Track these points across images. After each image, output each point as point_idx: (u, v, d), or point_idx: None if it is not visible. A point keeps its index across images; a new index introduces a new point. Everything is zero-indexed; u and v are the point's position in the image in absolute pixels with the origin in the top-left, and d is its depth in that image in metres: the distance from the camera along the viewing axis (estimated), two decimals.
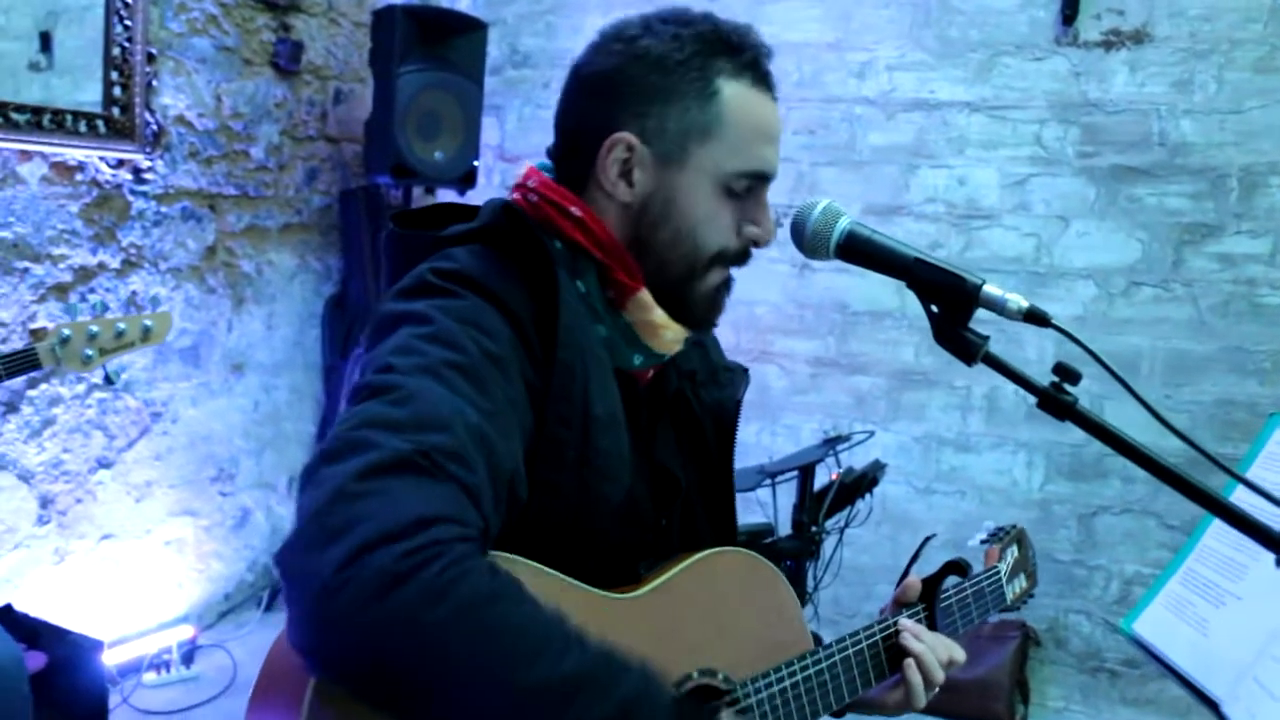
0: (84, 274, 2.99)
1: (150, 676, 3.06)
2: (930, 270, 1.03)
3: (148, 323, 2.35)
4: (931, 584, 1.31)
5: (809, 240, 1.09)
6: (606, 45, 1.12)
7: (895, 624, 1.25)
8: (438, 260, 1.04)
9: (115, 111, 3.02)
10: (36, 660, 2.27)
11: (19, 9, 2.81)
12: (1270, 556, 0.94)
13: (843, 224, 1.08)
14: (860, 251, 1.07)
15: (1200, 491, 0.95)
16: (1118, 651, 3.23)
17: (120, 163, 3.07)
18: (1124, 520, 3.23)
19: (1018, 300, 0.99)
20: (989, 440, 3.40)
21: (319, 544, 0.77)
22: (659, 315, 1.11)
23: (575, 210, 1.10)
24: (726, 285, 1.15)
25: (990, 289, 1.00)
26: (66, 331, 2.21)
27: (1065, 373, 0.98)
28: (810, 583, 2.78)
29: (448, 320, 0.96)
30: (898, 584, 1.34)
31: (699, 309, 1.13)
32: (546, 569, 0.98)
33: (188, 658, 3.14)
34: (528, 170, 1.16)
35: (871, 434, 3.18)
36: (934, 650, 1.24)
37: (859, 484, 2.78)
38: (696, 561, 1.14)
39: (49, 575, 2.95)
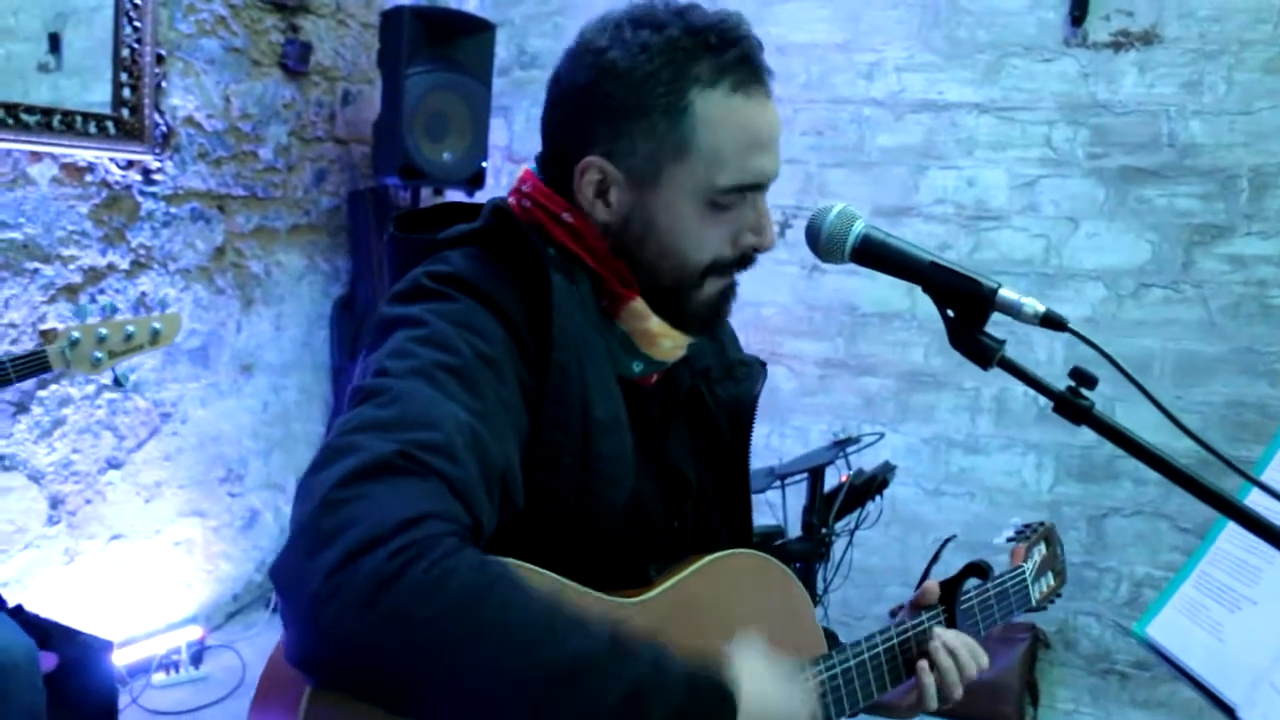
0: (94, 275, 3.00)
1: (159, 677, 3.07)
2: (946, 274, 1.02)
3: (157, 325, 2.36)
4: (951, 586, 1.28)
5: (824, 244, 1.07)
6: (579, 56, 1.07)
7: (925, 631, 1.23)
8: (433, 264, 1.04)
9: (124, 113, 3.03)
10: (48, 661, 2.28)
11: (28, 10, 2.82)
12: None
13: (858, 228, 1.06)
14: (875, 256, 1.06)
15: (1217, 495, 0.95)
16: (1128, 654, 3.22)
17: (129, 164, 3.08)
18: (1135, 522, 3.22)
19: (1034, 304, 0.98)
20: (998, 442, 3.39)
21: (308, 554, 0.76)
22: (655, 324, 1.09)
23: (567, 217, 1.08)
24: (729, 290, 1.12)
25: (1006, 293, 0.99)
26: (76, 334, 2.21)
27: (1082, 377, 0.97)
28: (820, 585, 2.77)
29: (441, 323, 0.95)
30: (917, 586, 1.33)
31: (699, 316, 1.11)
32: (549, 573, 0.97)
33: (196, 658, 3.15)
34: (524, 173, 1.15)
35: (881, 436, 3.18)
36: (961, 662, 1.21)
37: (869, 486, 2.77)
38: (707, 563, 1.13)
39: (59, 575, 2.96)
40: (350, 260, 3.87)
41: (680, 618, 1.08)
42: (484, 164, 3.76)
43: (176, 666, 3.10)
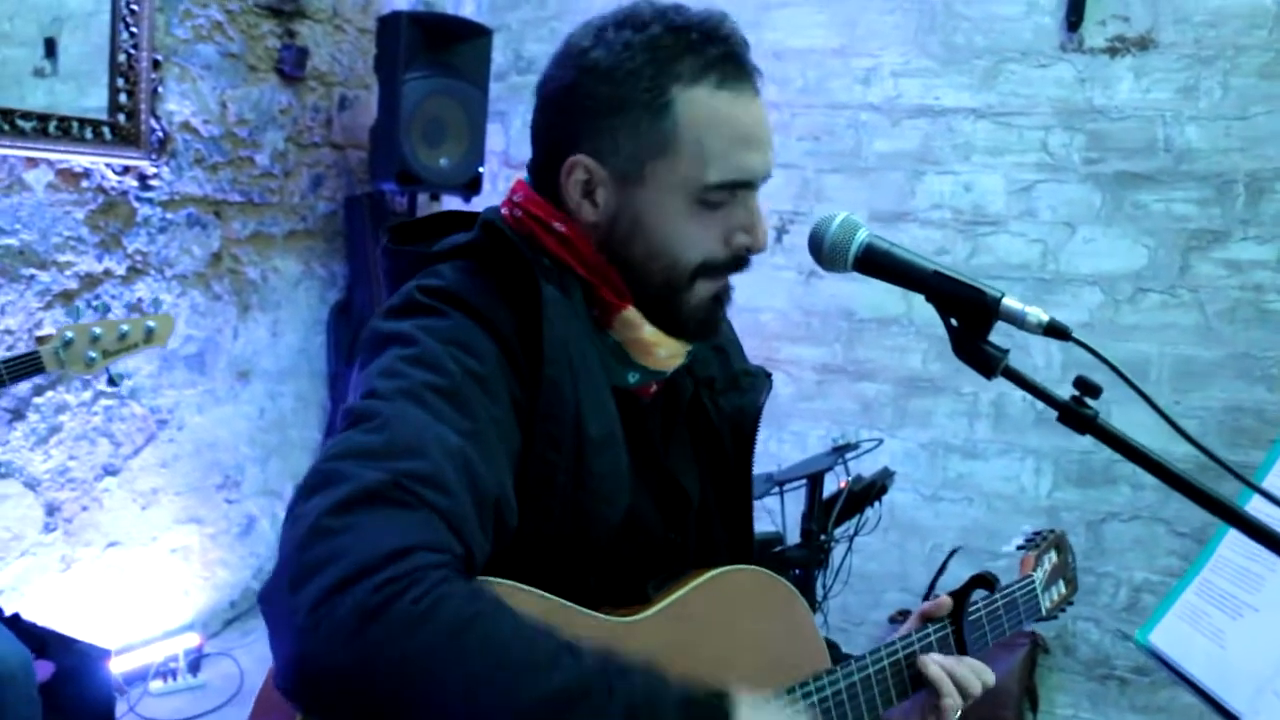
0: (90, 281, 2.99)
1: (157, 685, 3.06)
2: (950, 283, 1.02)
3: (151, 324, 2.36)
4: (958, 599, 1.28)
5: (827, 253, 1.07)
6: (561, 59, 1.08)
7: (931, 644, 1.22)
8: (425, 277, 1.04)
9: (121, 118, 3.02)
10: (44, 670, 2.27)
11: (24, 15, 2.81)
12: None
13: (861, 237, 1.06)
14: (878, 265, 1.05)
15: (1221, 504, 0.95)
16: (1127, 659, 3.22)
17: (126, 169, 3.07)
18: (1133, 527, 3.22)
19: (1038, 313, 0.98)
20: (996, 447, 3.39)
21: (295, 583, 0.76)
22: (648, 332, 1.08)
23: (559, 226, 1.08)
24: (723, 294, 1.11)
25: (1010, 302, 0.99)
26: (70, 334, 2.20)
27: (1086, 386, 0.98)
28: (819, 591, 2.77)
29: (431, 341, 0.95)
30: (924, 597, 1.32)
31: (692, 321, 1.10)
32: (544, 594, 0.96)
33: (194, 666, 3.13)
34: (516, 183, 1.14)
35: (880, 442, 3.18)
36: (959, 678, 1.20)
37: (868, 492, 2.77)
38: (707, 580, 1.11)
39: (55, 583, 2.95)
40: (347, 266, 3.86)
41: (680, 637, 1.06)
42: (481, 169, 3.76)
43: (174, 674, 3.09)
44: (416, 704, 0.75)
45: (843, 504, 2.70)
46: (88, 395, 3.02)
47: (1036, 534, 1.48)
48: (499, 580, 0.92)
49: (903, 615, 3.31)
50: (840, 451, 2.89)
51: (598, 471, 1.02)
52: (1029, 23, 3.32)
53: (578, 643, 0.81)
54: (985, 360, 1.00)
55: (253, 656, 3.25)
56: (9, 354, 2.27)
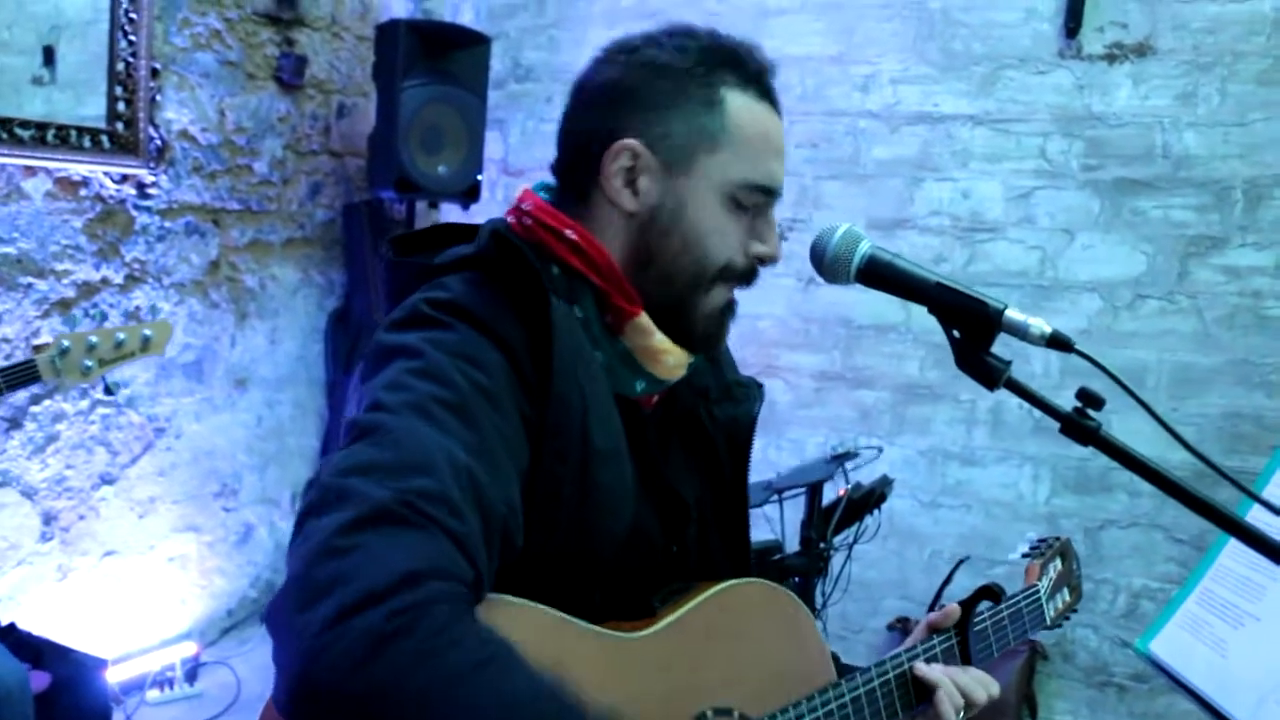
0: (88, 289, 2.98)
1: (154, 694, 3.05)
2: (953, 295, 1.02)
3: (147, 332, 2.34)
4: (966, 608, 1.28)
5: (829, 265, 1.07)
6: (611, 56, 1.12)
7: (935, 655, 1.22)
8: (431, 290, 1.03)
9: (119, 126, 3.02)
10: (40, 680, 2.26)
11: (22, 23, 2.81)
12: None
13: (863, 248, 1.06)
14: (881, 276, 1.06)
15: (1223, 514, 0.95)
16: (1125, 666, 3.22)
17: (124, 178, 3.07)
18: (1131, 534, 3.22)
19: (1040, 325, 0.98)
20: (994, 454, 3.39)
21: (304, 604, 0.75)
22: (659, 340, 1.09)
23: (570, 234, 1.08)
24: (730, 307, 1.13)
25: (1013, 314, 0.99)
26: (66, 343, 2.19)
27: (1088, 398, 0.98)
28: (818, 599, 2.76)
29: (438, 354, 0.94)
30: (930, 608, 1.32)
31: (700, 329, 1.11)
32: (549, 610, 0.95)
33: (191, 675, 3.13)
34: (523, 193, 1.14)
35: (880, 451, 3.18)
36: (962, 685, 1.20)
37: (867, 500, 2.77)
38: (714, 594, 1.11)
39: (52, 592, 2.94)
40: (345, 274, 3.86)
41: (687, 651, 1.06)
42: (479, 177, 3.75)
43: (171, 683, 3.08)
44: None
45: (842, 512, 2.70)
46: (85, 404, 3.01)
47: (1041, 541, 1.48)
48: (506, 597, 0.92)
49: (901, 622, 3.31)
50: (839, 460, 2.89)
51: (603, 484, 1.02)
52: (1027, 29, 3.33)
53: (582, 699, 0.81)
54: (988, 372, 1.00)
55: (250, 666, 3.24)
56: (6, 363, 2.26)
